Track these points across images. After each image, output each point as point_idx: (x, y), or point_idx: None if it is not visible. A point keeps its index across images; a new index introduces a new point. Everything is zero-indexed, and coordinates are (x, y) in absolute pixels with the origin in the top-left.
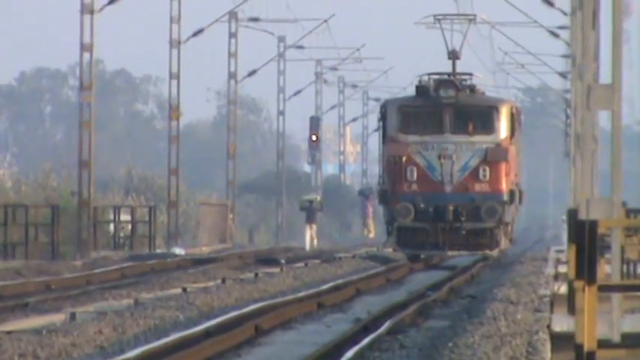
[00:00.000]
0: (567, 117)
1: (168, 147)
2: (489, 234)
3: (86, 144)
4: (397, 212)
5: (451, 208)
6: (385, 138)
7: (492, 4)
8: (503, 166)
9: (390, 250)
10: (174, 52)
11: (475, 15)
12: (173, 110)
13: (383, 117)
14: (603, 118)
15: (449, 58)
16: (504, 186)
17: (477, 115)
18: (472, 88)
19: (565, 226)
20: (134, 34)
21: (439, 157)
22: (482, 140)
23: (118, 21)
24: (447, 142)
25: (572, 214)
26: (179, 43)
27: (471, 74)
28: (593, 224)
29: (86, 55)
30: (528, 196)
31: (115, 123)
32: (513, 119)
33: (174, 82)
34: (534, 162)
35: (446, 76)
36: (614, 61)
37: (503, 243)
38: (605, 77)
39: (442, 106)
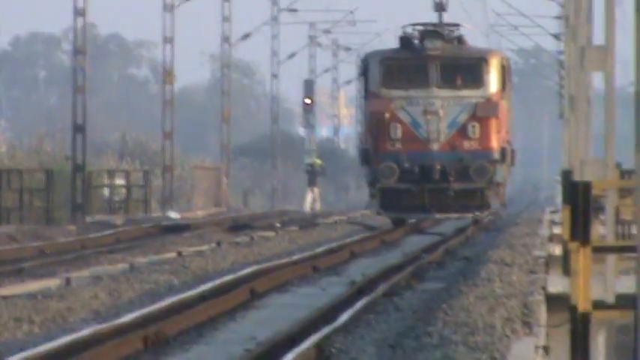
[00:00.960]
0: (561, 79)
1: (162, 111)
2: (479, 195)
3: (80, 109)
4: (380, 173)
5: (438, 167)
6: (367, 94)
7: None
8: (493, 122)
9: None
10: (168, 15)
11: None
12: (167, 74)
13: (364, 71)
14: (597, 80)
15: (435, 10)
16: (495, 143)
17: (465, 67)
18: (460, 39)
19: (559, 187)
20: None
21: (425, 113)
22: (470, 94)
23: None
24: (433, 96)
25: (567, 175)
26: (172, 7)
27: (458, 25)
28: (587, 185)
29: (80, 20)
30: (522, 158)
31: (108, 88)
32: (504, 72)
33: (167, 47)
34: (528, 124)
35: (431, 27)
36: (608, 23)
37: (495, 204)
38: (598, 39)
39: (428, 59)
